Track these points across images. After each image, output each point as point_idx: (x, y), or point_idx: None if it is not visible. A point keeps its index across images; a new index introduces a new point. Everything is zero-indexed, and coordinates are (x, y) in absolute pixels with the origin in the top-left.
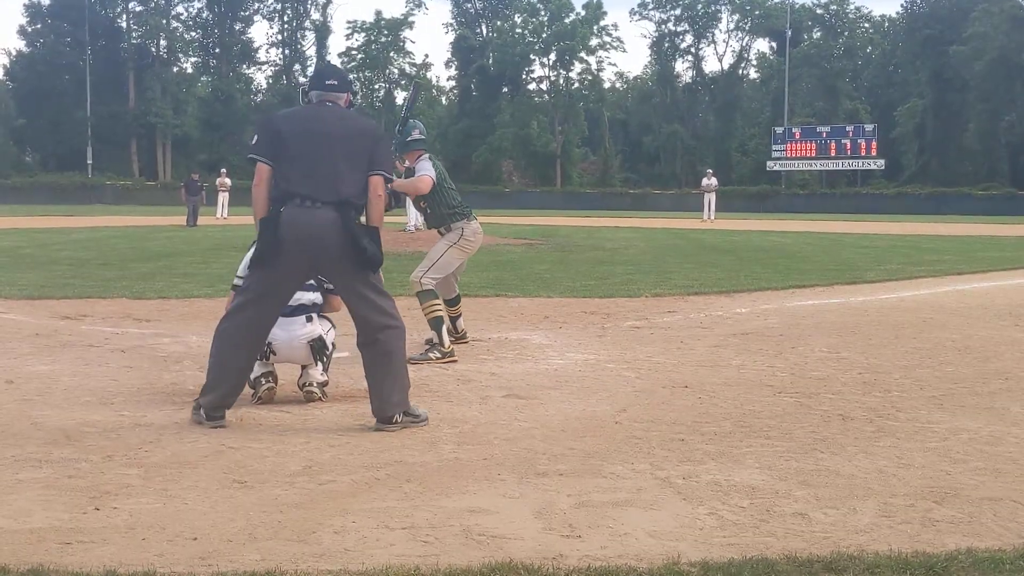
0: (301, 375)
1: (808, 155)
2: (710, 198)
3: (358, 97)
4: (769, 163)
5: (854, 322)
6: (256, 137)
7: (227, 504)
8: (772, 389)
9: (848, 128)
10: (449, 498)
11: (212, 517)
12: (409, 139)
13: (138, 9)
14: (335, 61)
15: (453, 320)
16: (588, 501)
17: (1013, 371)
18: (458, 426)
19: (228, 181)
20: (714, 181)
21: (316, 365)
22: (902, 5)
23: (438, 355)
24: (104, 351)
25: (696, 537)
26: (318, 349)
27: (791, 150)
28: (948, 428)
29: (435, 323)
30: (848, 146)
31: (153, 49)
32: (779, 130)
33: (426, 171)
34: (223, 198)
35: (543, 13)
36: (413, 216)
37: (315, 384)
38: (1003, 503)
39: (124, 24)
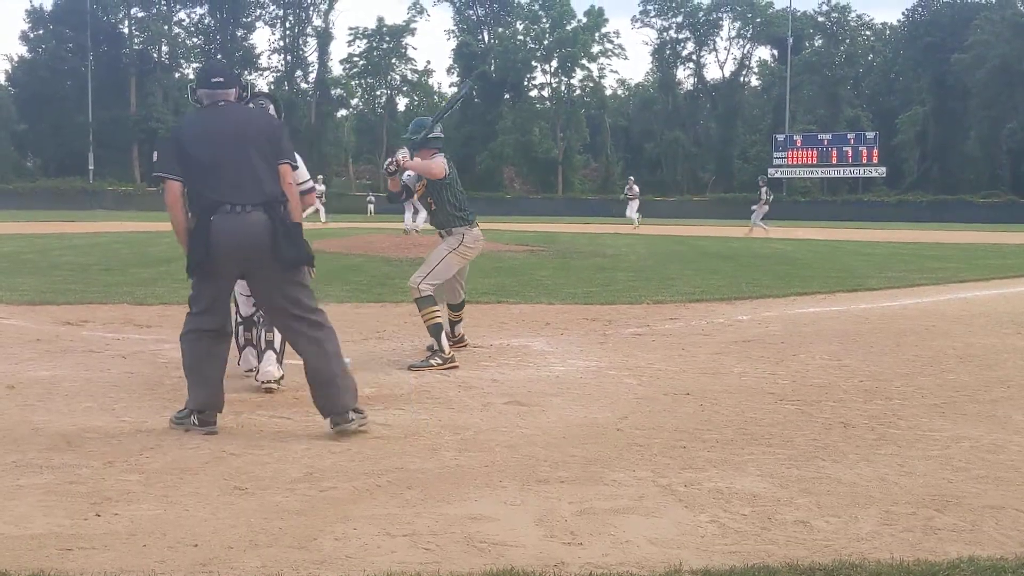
0: (260, 371)
1: (809, 162)
2: (634, 205)
3: (247, 91)
4: (770, 170)
5: (856, 329)
6: (157, 154)
7: (228, 510)
8: (774, 396)
9: (849, 135)
10: (450, 505)
11: (213, 523)
12: (431, 136)
13: (140, 15)
14: (336, 68)
15: (452, 324)
16: (589, 508)
17: (1015, 379)
18: (460, 433)
19: (322, 187)
20: (636, 189)
21: (274, 360)
22: (903, 13)
23: (439, 361)
24: (105, 357)
25: (698, 545)
26: None
27: (792, 157)
28: (950, 436)
29: (434, 329)
30: (849, 153)
31: (155, 55)
32: (780, 137)
33: (440, 162)
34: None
35: (545, 20)
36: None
37: (272, 381)
38: (1005, 511)
39: (126, 30)
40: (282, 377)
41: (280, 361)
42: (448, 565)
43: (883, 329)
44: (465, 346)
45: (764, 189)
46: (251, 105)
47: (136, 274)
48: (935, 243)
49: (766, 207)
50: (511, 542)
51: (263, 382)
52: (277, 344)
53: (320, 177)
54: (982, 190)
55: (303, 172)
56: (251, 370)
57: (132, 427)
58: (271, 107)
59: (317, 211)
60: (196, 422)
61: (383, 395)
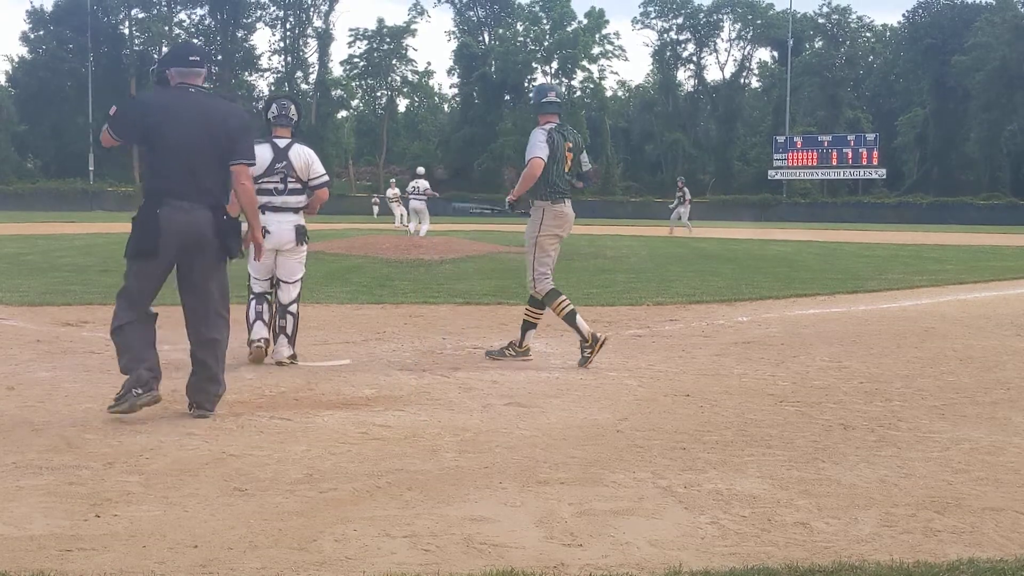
0: (272, 353)
1: (809, 164)
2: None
3: (213, 68)
4: (770, 172)
5: (856, 331)
6: (117, 110)
7: (228, 512)
8: (774, 398)
9: (849, 137)
10: (450, 506)
11: (213, 525)
12: (544, 100)
13: (140, 16)
14: (337, 69)
15: (526, 327)
16: (589, 510)
17: (1015, 381)
18: (459, 434)
19: (397, 191)
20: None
21: (286, 343)
22: (904, 14)
23: (512, 352)
24: (105, 358)
25: (697, 546)
26: (301, 233)
27: (792, 159)
28: (950, 438)
29: (568, 318)
30: (849, 155)
31: (155, 55)
32: (780, 139)
33: (535, 151)
34: (400, 209)
35: (545, 21)
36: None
37: (284, 358)
38: (1005, 513)
39: (126, 31)
40: (293, 356)
41: (292, 344)
42: (448, 566)
43: (883, 331)
44: (529, 359)
45: (685, 190)
46: (281, 106)
47: None
48: (935, 245)
49: (686, 206)
50: (511, 543)
51: (276, 361)
52: (289, 330)
53: (393, 181)
54: (982, 192)
55: (319, 167)
56: (263, 340)
57: (132, 428)
58: (292, 108)
59: (401, 215)
60: (139, 391)
61: (383, 396)
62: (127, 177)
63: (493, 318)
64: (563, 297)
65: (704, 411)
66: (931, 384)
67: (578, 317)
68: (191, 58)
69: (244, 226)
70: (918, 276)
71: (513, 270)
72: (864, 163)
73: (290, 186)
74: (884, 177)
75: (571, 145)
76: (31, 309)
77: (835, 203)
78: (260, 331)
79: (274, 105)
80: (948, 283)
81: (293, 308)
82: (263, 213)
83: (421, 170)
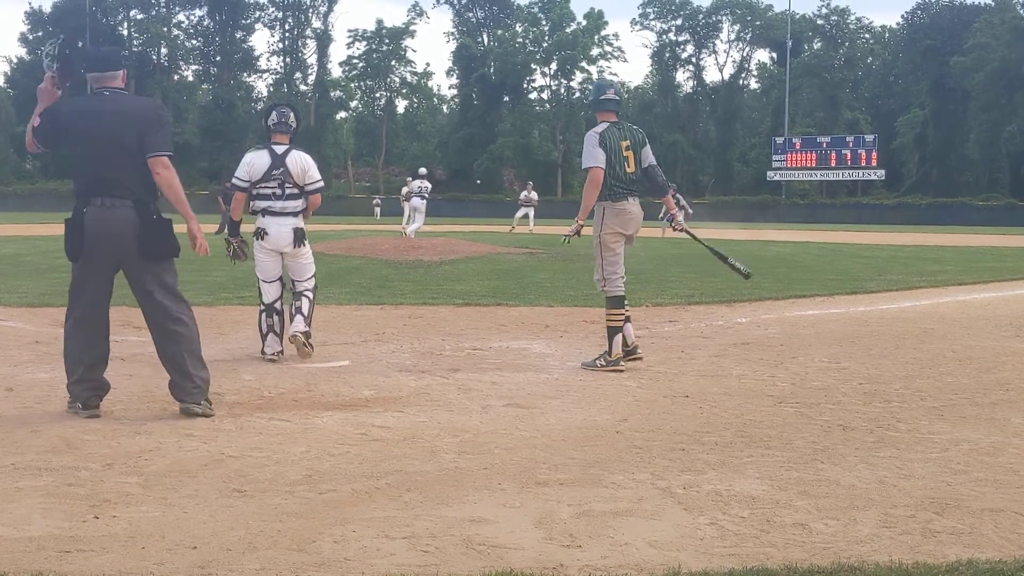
0: (290, 332)
1: (808, 165)
2: (528, 211)
3: (138, 61)
4: (769, 173)
5: (855, 332)
6: (39, 121)
7: (227, 513)
8: (773, 399)
9: (848, 138)
10: (449, 507)
11: (212, 526)
12: (602, 97)
13: (139, 17)
14: (336, 70)
15: (612, 333)
16: (589, 511)
17: (1014, 382)
18: (459, 435)
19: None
20: (534, 195)
21: (302, 321)
22: (903, 16)
23: (602, 363)
24: None
25: (697, 547)
26: (299, 235)
27: (791, 160)
28: (949, 439)
29: (609, 331)
30: (848, 156)
31: (154, 57)
32: (779, 140)
33: (590, 161)
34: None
35: (544, 22)
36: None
37: (299, 331)
38: (1004, 514)
39: (125, 32)
40: (308, 334)
41: (309, 323)
42: (447, 567)
43: (882, 332)
44: (638, 359)
45: (679, 197)
46: (281, 113)
47: None
48: (934, 246)
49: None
50: (510, 544)
51: (291, 334)
52: (305, 310)
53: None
54: (981, 193)
55: (315, 173)
56: (276, 353)
57: (131, 429)
58: (291, 115)
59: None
60: (81, 407)
61: (382, 397)
62: None
63: (492, 319)
64: (622, 311)
65: (703, 412)
66: (930, 385)
67: (619, 337)
68: (102, 62)
69: (257, 227)
70: (917, 277)
71: (512, 271)
72: (863, 164)
73: (287, 191)
74: (883, 178)
75: (628, 143)
76: (30, 310)
77: (834, 204)
78: (274, 344)
79: (274, 112)
80: (947, 284)
81: (309, 294)
82: (262, 216)
83: (423, 171)
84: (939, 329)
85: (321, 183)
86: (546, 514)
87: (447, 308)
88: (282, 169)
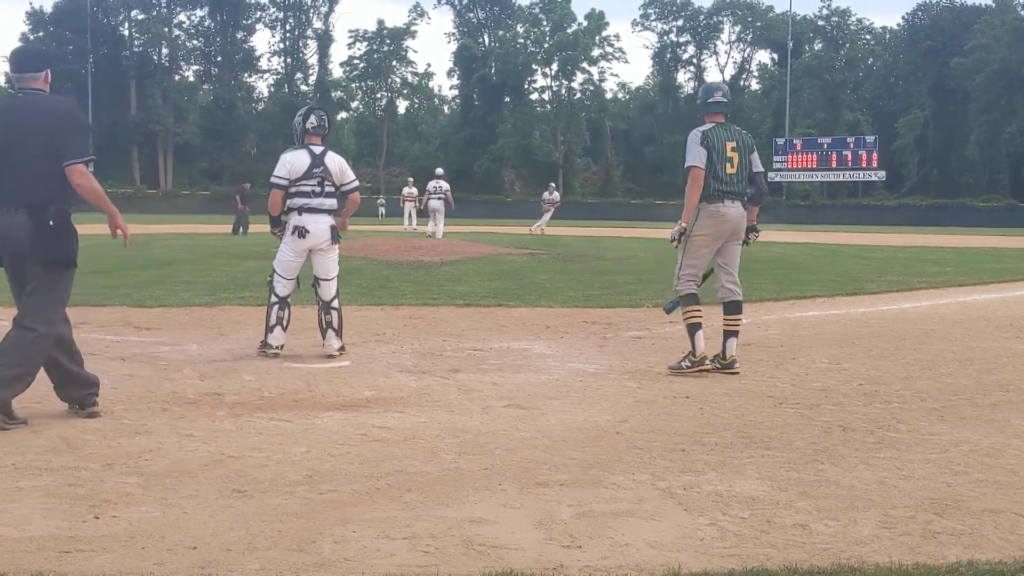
0: (324, 346)
1: (809, 166)
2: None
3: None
4: (770, 174)
5: (855, 333)
6: None
7: (227, 513)
8: (773, 400)
9: (849, 139)
10: (450, 508)
11: (212, 526)
12: (710, 100)
13: (140, 17)
14: (337, 70)
15: (726, 336)
16: (589, 511)
17: (1014, 383)
18: (459, 436)
19: (415, 191)
20: (556, 196)
21: (335, 336)
22: (903, 17)
23: (688, 364)
24: (104, 359)
25: (697, 548)
26: (335, 233)
27: (792, 161)
28: (949, 440)
29: (690, 329)
30: (849, 157)
31: (155, 57)
32: (780, 141)
33: (691, 160)
34: (410, 208)
35: (545, 23)
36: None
37: (335, 351)
38: (1004, 515)
39: (126, 32)
40: (342, 348)
41: (340, 336)
42: (447, 568)
43: (882, 333)
44: (734, 373)
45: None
46: (320, 117)
47: (134, 276)
48: (934, 247)
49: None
50: (510, 545)
51: (327, 353)
52: (336, 324)
53: (411, 180)
54: (981, 194)
55: (350, 173)
56: (280, 347)
57: (131, 429)
58: (327, 119)
59: (410, 215)
60: (79, 407)
61: (383, 398)
62: (127, 179)
63: (493, 320)
64: (698, 307)
65: (704, 413)
66: (930, 386)
67: (700, 333)
68: (23, 63)
69: (293, 222)
70: (917, 278)
71: (513, 272)
72: (864, 165)
73: (326, 189)
74: (884, 179)
75: (735, 144)
76: None
77: (835, 205)
78: (279, 337)
79: (312, 116)
80: (947, 285)
81: (336, 303)
82: (299, 215)
83: (440, 171)
84: (939, 330)
85: (357, 182)
86: (546, 515)
87: (448, 309)
88: (322, 168)
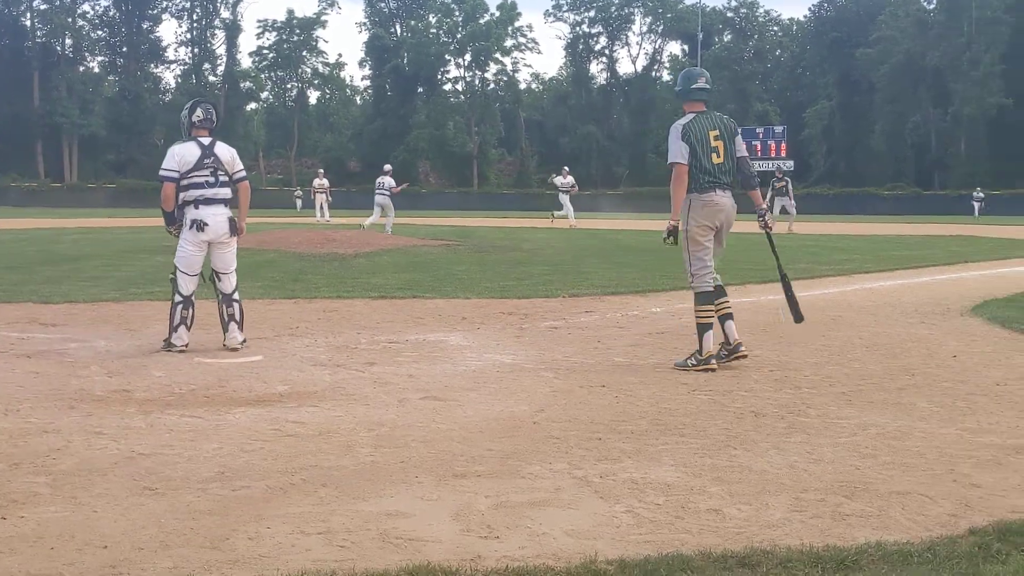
0: (226, 340)
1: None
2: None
3: None
4: None
5: (765, 320)
6: None
7: (138, 511)
8: (687, 387)
9: (758, 130)
10: (366, 502)
11: (123, 525)
12: (693, 86)
13: (43, 7)
14: (246, 60)
15: (721, 321)
16: (506, 502)
17: (919, 367)
18: (375, 429)
19: (326, 182)
20: (571, 179)
21: (237, 329)
22: (810, 8)
23: (693, 362)
24: (10, 357)
25: (613, 535)
26: (233, 225)
27: None
28: (857, 423)
29: (699, 328)
30: (758, 147)
31: (58, 48)
32: None
33: (674, 156)
34: (322, 200)
35: (457, 13)
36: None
37: (238, 344)
38: (911, 496)
39: (28, 22)
40: (245, 341)
41: (242, 328)
42: (364, 562)
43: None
44: (741, 357)
45: (788, 180)
46: (207, 110)
47: (41, 272)
48: (841, 235)
49: (790, 199)
50: (427, 537)
51: (230, 346)
52: (238, 316)
53: (321, 171)
54: (887, 183)
55: (239, 162)
56: (184, 346)
57: (38, 428)
58: (214, 112)
59: (322, 207)
60: None
61: (296, 392)
62: (31, 172)
63: (408, 312)
64: (711, 307)
65: (620, 401)
66: (839, 371)
67: (709, 333)
68: None
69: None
70: (825, 266)
71: (427, 263)
72: (772, 155)
73: (220, 179)
74: (792, 169)
75: (717, 132)
76: None
77: (744, 195)
78: (184, 337)
79: (199, 109)
80: (854, 272)
81: (237, 295)
82: (196, 207)
83: (388, 167)
84: (847, 317)
85: (245, 171)
86: (464, 506)
87: (362, 301)
88: (213, 157)
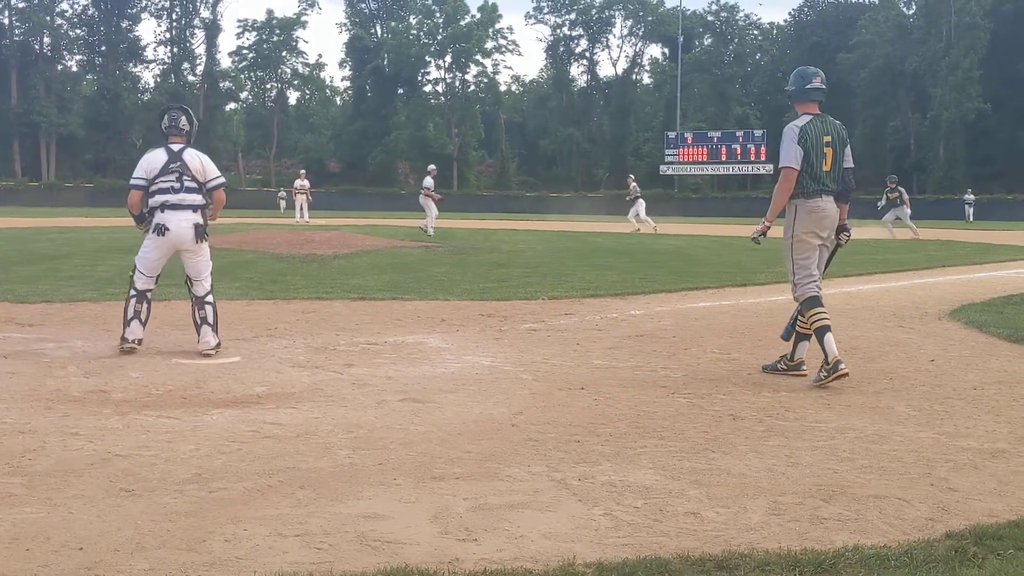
0: (199, 343)
1: (700, 159)
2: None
3: None
4: (662, 167)
5: (745, 324)
6: None
7: (114, 513)
8: (666, 390)
9: (738, 133)
10: (344, 504)
11: (99, 526)
12: (808, 86)
13: (21, 5)
14: (225, 60)
15: (798, 337)
16: (484, 504)
17: (897, 371)
18: (353, 431)
19: (307, 183)
20: (636, 187)
21: (211, 332)
22: (790, 13)
23: (824, 374)
24: None
25: (591, 538)
26: (200, 232)
27: (684, 154)
28: (835, 427)
29: (818, 334)
30: (739, 151)
31: (36, 46)
32: (672, 135)
33: (787, 160)
34: (302, 200)
35: (438, 15)
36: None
37: (211, 348)
38: (888, 500)
39: (6, 20)
40: (219, 344)
41: (216, 332)
42: (341, 565)
43: (771, 323)
44: (802, 374)
45: (901, 190)
46: (171, 118)
47: (18, 271)
48: None
49: (905, 208)
50: (405, 540)
51: (203, 351)
52: (211, 319)
53: (303, 172)
54: (867, 187)
55: (214, 169)
56: (137, 341)
57: (14, 428)
58: (183, 119)
59: (302, 208)
60: None
61: (275, 394)
62: (7, 171)
63: (387, 314)
64: (822, 309)
65: (598, 404)
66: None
67: (829, 336)
68: None
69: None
70: None
71: (407, 265)
72: (752, 159)
73: (186, 184)
74: (771, 172)
75: (830, 139)
76: None
77: (725, 198)
78: (137, 331)
79: (165, 116)
80: (833, 276)
81: (210, 298)
82: (161, 212)
83: (431, 167)
84: None
85: (222, 179)
86: (442, 508)
87: (341, 303)
88: (179, 163)
